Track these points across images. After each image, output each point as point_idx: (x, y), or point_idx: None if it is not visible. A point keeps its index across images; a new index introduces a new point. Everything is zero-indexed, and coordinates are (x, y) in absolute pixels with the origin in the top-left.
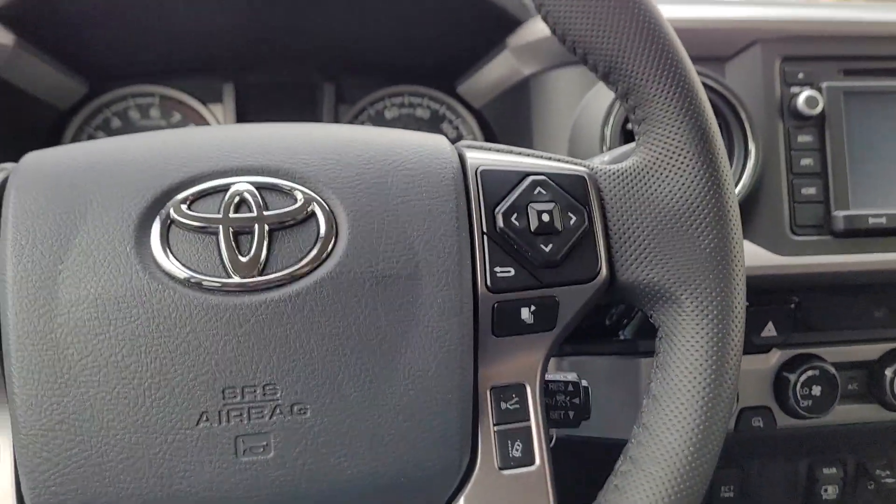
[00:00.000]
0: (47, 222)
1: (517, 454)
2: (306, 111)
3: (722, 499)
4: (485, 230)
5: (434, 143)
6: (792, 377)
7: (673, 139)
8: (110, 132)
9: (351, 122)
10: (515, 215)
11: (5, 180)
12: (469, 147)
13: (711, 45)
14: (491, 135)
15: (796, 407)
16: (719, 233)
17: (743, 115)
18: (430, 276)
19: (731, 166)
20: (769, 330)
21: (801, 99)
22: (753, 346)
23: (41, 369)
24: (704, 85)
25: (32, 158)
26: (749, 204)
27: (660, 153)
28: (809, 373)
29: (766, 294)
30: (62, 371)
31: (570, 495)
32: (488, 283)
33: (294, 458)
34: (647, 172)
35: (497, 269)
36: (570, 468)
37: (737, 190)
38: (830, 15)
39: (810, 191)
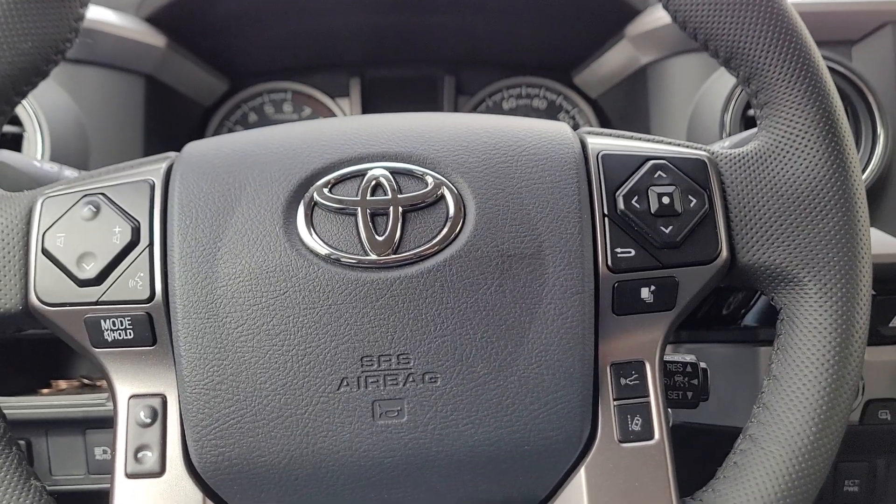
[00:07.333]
0: (207, 205)
1: (636, 428)
2: (427, 103)
3: (846, 493)
4: (606, 212)
5: (556, 129)
6: None
7: (797, 122)
8: (247, 126)
9: (470, 112)
10: (636, 198)
11: (170, 168)
12: (590, 133)
13: (838, 29)
14: (607, 124)
15: None
16: (845, 215)
17: (871, 100)
18: (552, 256)
19: (859, 151)
20: None
21: None
22: (881, 336)
23: (204, 335)
24: (830, 69)
25: (192, 148)
26: (877, 190)
27: (783, 136)
28: None
29: (893, 283)
30: (222, 337)
31: (690, 474)
32: (609, 263)
33: (425, 423)
34: (770, 156)
35: (618, 249)
36: (688, 453)
37: (864, 176)
38: None
39: None
